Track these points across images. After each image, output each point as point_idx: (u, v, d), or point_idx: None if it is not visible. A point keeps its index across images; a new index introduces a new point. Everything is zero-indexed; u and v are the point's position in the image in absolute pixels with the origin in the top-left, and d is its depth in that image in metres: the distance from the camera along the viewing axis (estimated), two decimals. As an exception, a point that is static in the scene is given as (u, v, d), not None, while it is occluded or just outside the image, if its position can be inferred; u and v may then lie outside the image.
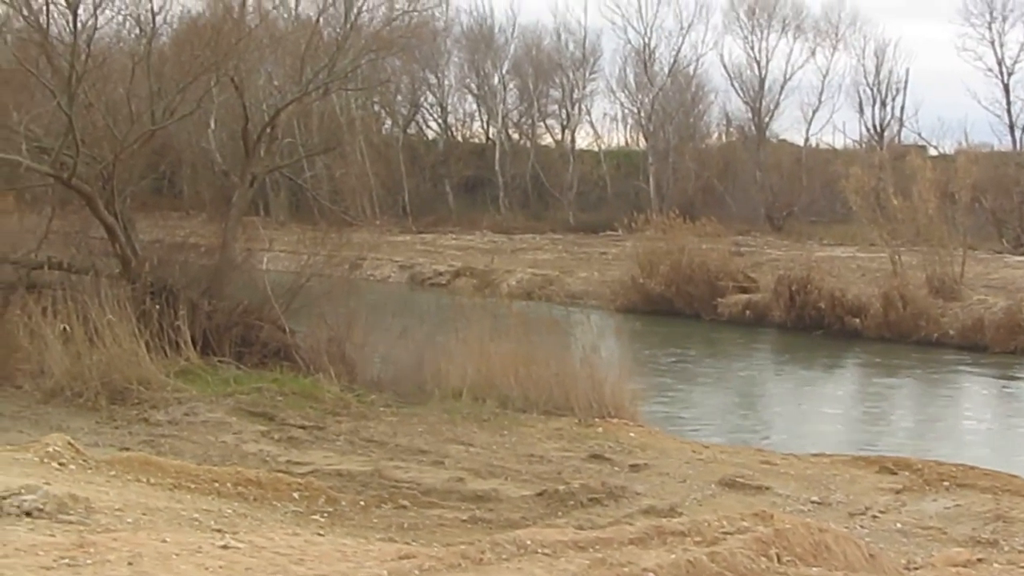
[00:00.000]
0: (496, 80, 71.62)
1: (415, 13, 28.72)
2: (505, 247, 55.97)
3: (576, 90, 70.87)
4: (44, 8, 24.67)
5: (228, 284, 24.42)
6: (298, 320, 24.36)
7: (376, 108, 65.52)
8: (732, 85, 69.11)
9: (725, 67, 68.87)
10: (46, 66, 24.71)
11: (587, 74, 70.86)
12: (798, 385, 30.52)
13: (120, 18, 26.48)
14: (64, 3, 24.51)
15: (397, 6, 28.11)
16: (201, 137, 33.54)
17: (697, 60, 69.18)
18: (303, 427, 17.58)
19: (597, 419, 18.49)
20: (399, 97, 67.62)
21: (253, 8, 27.54)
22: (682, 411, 25.35)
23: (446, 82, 71.66)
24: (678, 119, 68.29)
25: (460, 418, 18.28)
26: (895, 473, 15.58)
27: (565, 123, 71.58)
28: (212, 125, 32.31)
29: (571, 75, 70.69)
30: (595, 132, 72.26)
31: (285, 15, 29.17)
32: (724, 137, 72.58)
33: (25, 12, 24.78)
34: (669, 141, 67.28)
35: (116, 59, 26.98)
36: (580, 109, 71.18)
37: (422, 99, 72.40)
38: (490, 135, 72.34)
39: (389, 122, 70.28)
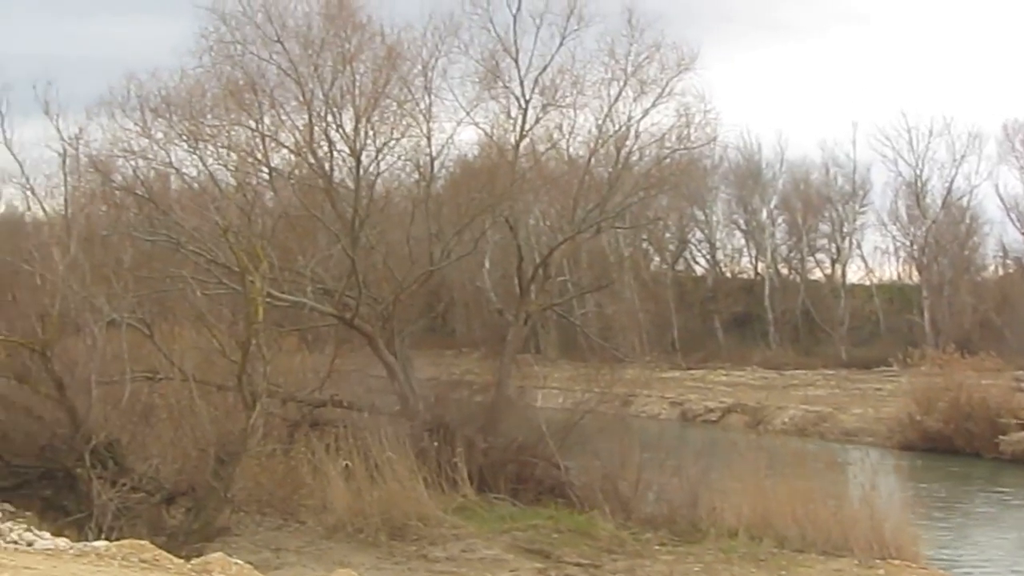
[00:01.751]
0: (764, 215, 71.39)
1: (684, 151, 28.83)
2: (776, 383, 55.27)
3: (846, 224, 70.03)
4: (328, 155, 25.77)
5: (503, 421, 24.68)
6: (571, 456, 24.42)
7: (645, 245, 65.89)
8: (1008, 216, 67.16)
9: (1000, 198, 67.03)
10: (330, 211, 25.70)
11: (857, 207, 69.95)
12: (1091, 527, 29.13)
13: (400, 163, 27.40)
14: (347, 151, 25.55)
15: (667, 145, 28.30)
16: (476, 277, 34.26)
17: (971, 191, 67.53)
18: (579, 564, 17.60)
19: (878, 560, 18.04)
20: (667, 234, 67.86)
21: (526, 150, 28.07)
22: (966, 553, 24.45)
23: (714, 218, 71.81)
24: (952, 252, 66.73)
25: (737, 557, 18.04)
26: None
27: (835, 257, 70.76)
28: (487, 265, 32.97)
29: (841, 209, 69.91)
30: (866, 266, 71.08)
31: (556, 156, 29.53)
32: (1001, 269, 70.52)
33: (311, 160, 25.88)
34: (944, 274, 65.78)
35: (396, 203, 27.89)
36: (850, 243, 70.30)
37: (690, 235, 72.62)
38: (759, 270, 71.96)
39: (658, 259, 70.56)
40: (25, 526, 13.17)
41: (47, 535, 12.80)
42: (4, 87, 22.71)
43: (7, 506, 16.21)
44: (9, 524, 12.75)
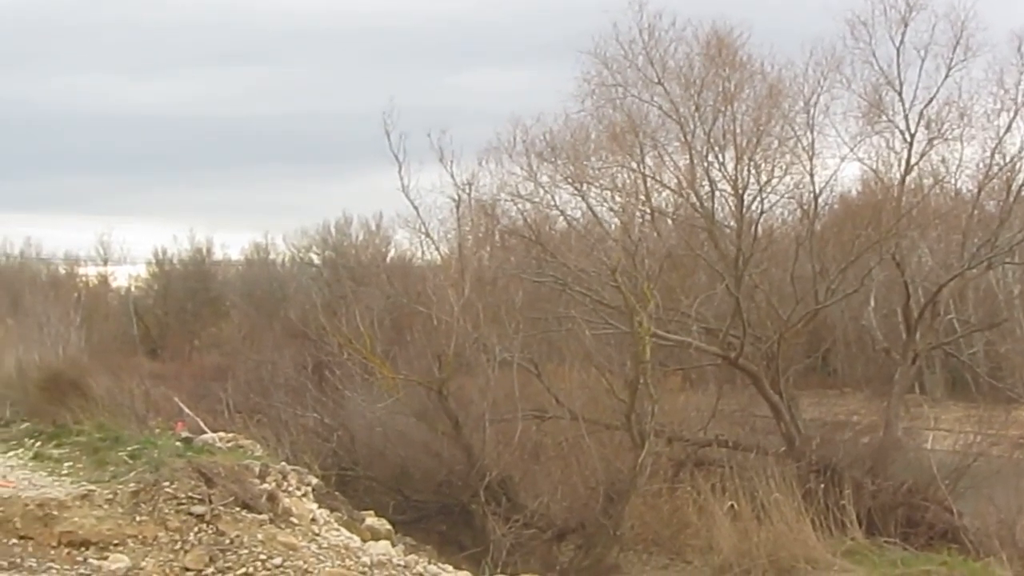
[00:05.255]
0: None
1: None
2: None
3: None
4: (710, 195, 25.83)
5: (891, 463, 24.10)
6: (963, 501, 23.62)
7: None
8: None
9: None
10: (712, 250, 25.74)
11: None
12: None
13: (782, 201, 27.20)
14: (729, 190, 25.55)
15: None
16: (860, 315, 33.58)
17: None
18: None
19: None
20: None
21: (911, 185, 27.39)
22: None
23: (1112, 251, 68.17)
24: None
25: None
26: None
27: None
28: (871, 303, 32.19)
29: None
30: None
31: (942, 191, 28.74)
32: None
33: (693, 199, 26.00)
34: None
35: (778, 241, 27.68)
36: None
37: (1086, 270, 69.15)
38: None
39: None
40: (427, 559, 13.62)
41: (449, 568, 13.24)
42: (402, 137, 23.75)
43: (408, 539, 16.80)
44: (414, 557, 13.22)
